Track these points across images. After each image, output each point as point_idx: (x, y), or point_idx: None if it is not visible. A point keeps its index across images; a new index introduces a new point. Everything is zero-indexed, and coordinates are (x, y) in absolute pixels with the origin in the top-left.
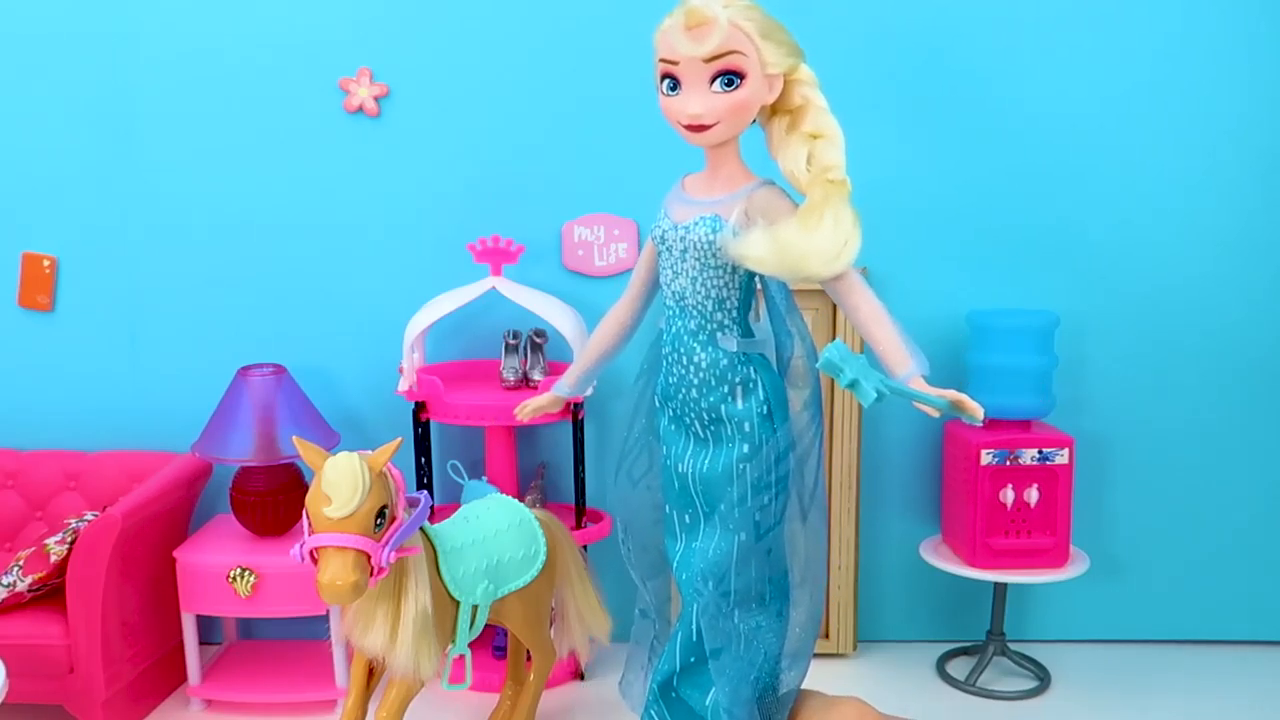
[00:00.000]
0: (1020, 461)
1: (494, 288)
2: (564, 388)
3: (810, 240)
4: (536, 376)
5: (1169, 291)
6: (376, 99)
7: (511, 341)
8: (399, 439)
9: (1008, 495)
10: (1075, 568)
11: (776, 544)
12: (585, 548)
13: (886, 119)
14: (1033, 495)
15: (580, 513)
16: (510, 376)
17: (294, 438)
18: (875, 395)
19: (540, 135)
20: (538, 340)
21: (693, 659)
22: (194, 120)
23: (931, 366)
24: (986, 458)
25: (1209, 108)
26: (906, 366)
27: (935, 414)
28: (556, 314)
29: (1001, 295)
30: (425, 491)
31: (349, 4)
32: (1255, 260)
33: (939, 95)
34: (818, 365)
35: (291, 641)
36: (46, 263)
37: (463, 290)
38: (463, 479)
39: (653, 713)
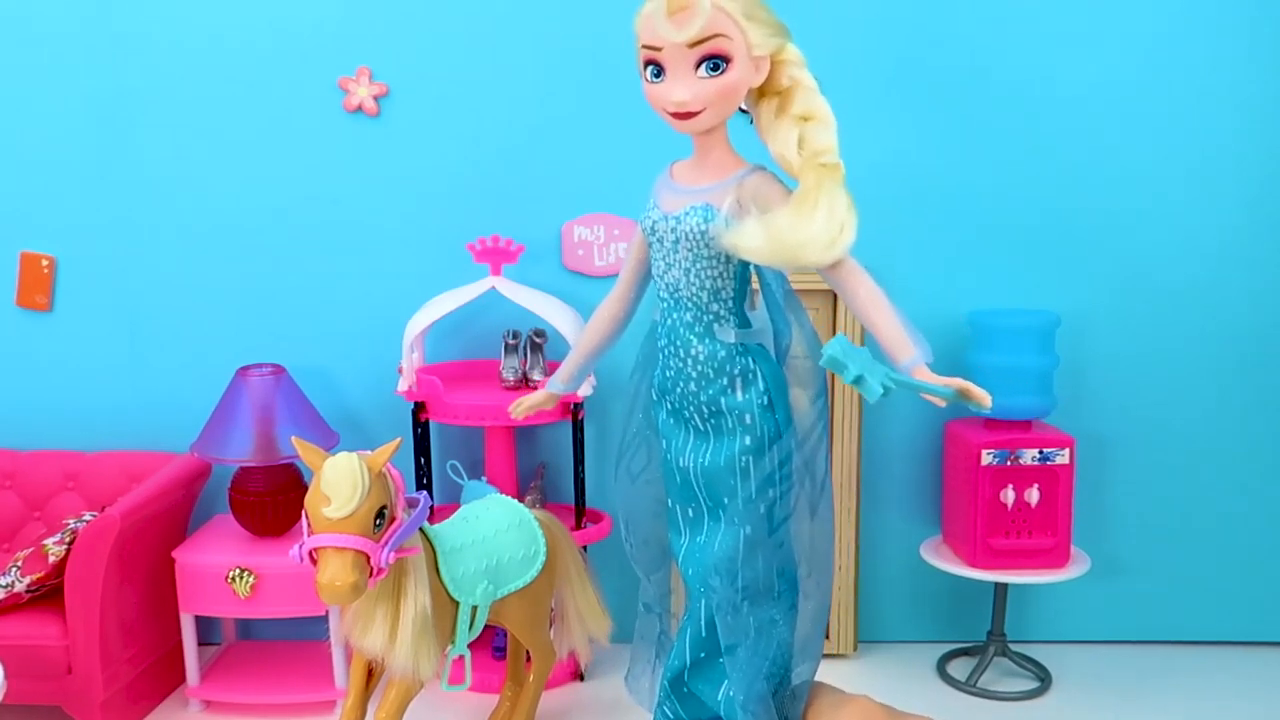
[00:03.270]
0: (1021, 462)
1: (494, 288)
2: (557, 385)
3: (805, 228)
4: (536, 376)
5: (1169, 291)
6: (376, 98)
7: (511, 341)
8: (398, 439)
9: (1008, 495)
10: (1076, 568)
11: (787, 537)
12: (585, 548)
13: (886, 116)
14: (1033, 495)
15: (580, 513)
16: (510, 376)
17: (293, 438)
18: (881, 390)
19: (540, 135)
20: (537, 340)
21: (702, 654)
22: (193, 119)
23: (932, 367)
24: (987, 458)
25: (1209, 108)
26: (909, 354)
27: (942, 403)
28: (556, 314)
29: (1002, 295)
30: (425, 491)
31: (349, 4)
32: (1256, 260)
33: (939, 94)
34: (820, 362)
35: (291, 642)
36: (45, 262)
37: (463, 290)
38: (462, 479)
39: (665, 709)
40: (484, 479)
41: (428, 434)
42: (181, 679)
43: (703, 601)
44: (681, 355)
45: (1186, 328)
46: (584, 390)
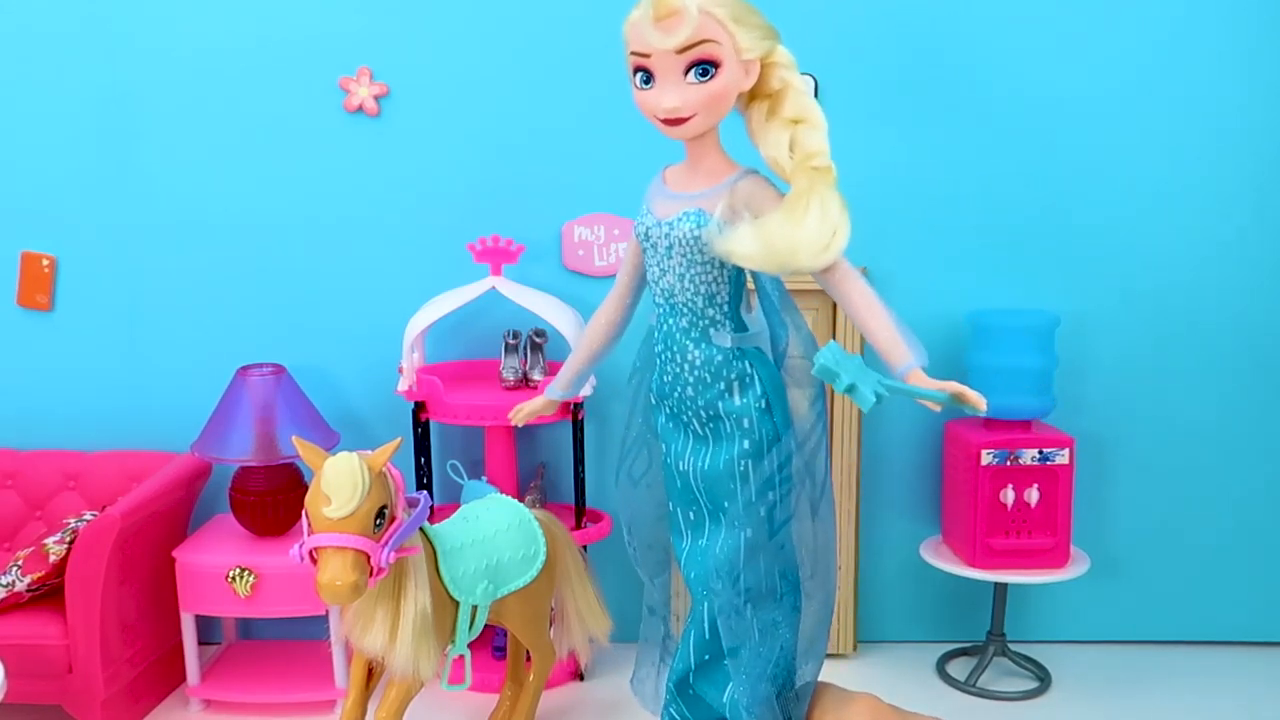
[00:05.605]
0: (1020, 462)
1: (494, 288)
2: (556, 390)
3: (797, 232)
4: (536, 377)
5: (1169, 291)
6: (376, 98)
7: (511, 341)
8: (399, 439)
9: (1008, 495)
10: (1075, 568)
11: (788, 538)
12: (585, 548)
13: (887, 118)
14: (1033, 495)
15: (580, 513)
16: (510, 376)
17: (293, 438)
18: (874, 399)
19: (540, 135)
20: (538, 340)
21: (706, 656)
22: (194, 119)
23: (932, 367)
24: (987, 458)
25: (1208, 106)
26: (905, 359)
27: (937, 408)
28: (556, 314)
29: (1002, 295)
30: (425, 491)
31: (349, 4)
32: (1256, 260)
33: (939, 94)
34: (813, 372)
35: (291, 642)
36: (45, 262)
37: (463, 290)
38: (462, 479)
39: (672, 711)
40: (484, 479)
41: (428, 434)
42: (182, 678)
43: (705, 605)
44: (679, 360)
45: (1187, 328)
46: (584, 390)
